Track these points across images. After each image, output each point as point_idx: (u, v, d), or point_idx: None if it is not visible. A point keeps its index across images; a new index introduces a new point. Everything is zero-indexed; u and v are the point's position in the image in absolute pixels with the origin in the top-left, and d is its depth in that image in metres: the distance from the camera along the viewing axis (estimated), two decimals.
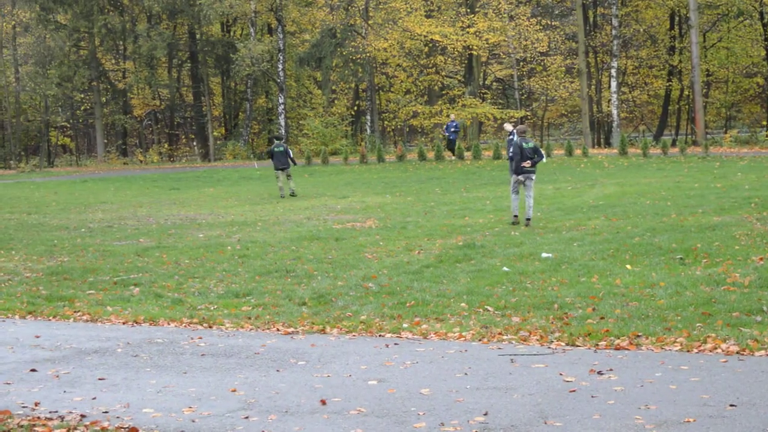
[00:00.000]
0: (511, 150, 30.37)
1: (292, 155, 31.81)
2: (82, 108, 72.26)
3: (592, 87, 59.72)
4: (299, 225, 22.24)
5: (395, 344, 9.75)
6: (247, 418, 7.21)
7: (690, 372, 8.05)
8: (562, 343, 9.41)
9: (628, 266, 13.81)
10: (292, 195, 31.14)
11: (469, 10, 55.83)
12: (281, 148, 31.44)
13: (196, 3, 58.26)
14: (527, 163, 20.53)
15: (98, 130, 67.87)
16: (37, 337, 10.85)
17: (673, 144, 48.49)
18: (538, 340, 9.62)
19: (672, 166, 35.28)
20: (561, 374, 8.11)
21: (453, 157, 44.47)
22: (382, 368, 8.67)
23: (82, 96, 69.28)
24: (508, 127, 30.73)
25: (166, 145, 70.86)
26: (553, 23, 59.62)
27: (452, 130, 45.58)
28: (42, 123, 72.63)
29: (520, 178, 20.60)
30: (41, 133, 74.46)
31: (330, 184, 36.73)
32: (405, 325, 10.62)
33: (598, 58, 62.06)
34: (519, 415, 6.96)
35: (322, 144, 53.68)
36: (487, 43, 54.44)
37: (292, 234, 20.35)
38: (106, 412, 7.52)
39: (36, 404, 7.82)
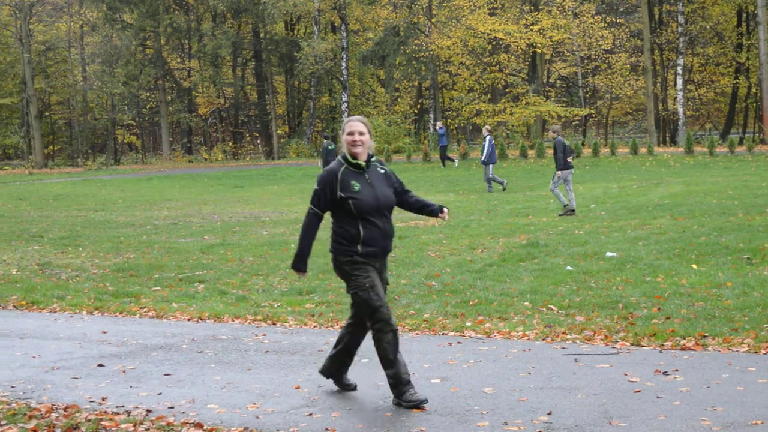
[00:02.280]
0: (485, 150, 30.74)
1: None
2: (148, 106, 73.14)
3: (658, 85, 59.16)
4: None
5: (458, 343, 9.72)
6: (310, 415, 7.23)
7: (758, 373, 7.94)
8: (627, 343, 9.32)
9: (694, 266, 13.64)
10: None
11: (532, 8, 55.60)
12: (332, 147, 33.84)
13: (260, 2, 58.65)
14: (571, 159, 22.29)
15: (164, 128, 68.63)
16: (104, 332, 10.99)
17: (741, 142, 47.84)
18: (602, 339, 9.54)
19: (739, 164, 34.84)
20: (626, 374, 8.04)
21: (454, 163, 43.44)
22: (445, 367, 8.66)
23: (148, 94, 70.14)
24: (486, 130, 31.37)
25: (230, 143, 71.44)
26: (617, 20, 59.18)
27: (440, 135, 44.29)
28: (109, 121, 73.65)
29: (567, 173, 22.15)
30: (108, 131, 75.49)
31: None
32: (468, 324, 10.59)
33: (663, 56, 61.46)
34: (583, 415, 6.91)
35: (385, 142, 53.82)
36: (551, 41, 54.18)
37: None
38: (171, 407, 7.59)
39: (103, 399, 7.91)
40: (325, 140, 34.39)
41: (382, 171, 7.58)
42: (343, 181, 7.32)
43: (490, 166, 30.32)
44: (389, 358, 7.34)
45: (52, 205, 32.59)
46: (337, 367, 7.90)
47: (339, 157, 7.47)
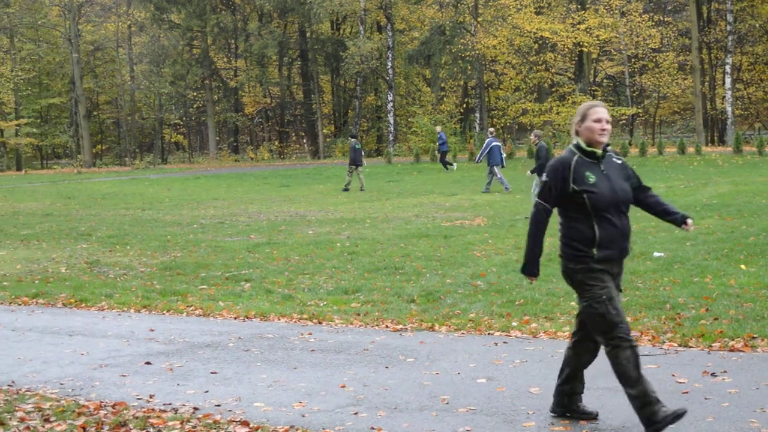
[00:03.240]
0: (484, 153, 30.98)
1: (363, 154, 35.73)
2: (195, 106, 73.55)
3: (706, 84, 58.62)
4: (408, 222, 22.29)
5: (504, 343, 9.69)
6: (356, 413, 7.23)
7: None
8: (675, 344, 9.24)
9: (743, 266, 13.50)
10: (362, 190, 33.93)
11: (579, 7, 55.28)
12: (359, 146, 34.72)
13: (307, 1, 58.81)
14: None
15: (210, 128, 69.00)
16: (152, 330, 11.06)
17: None
18: (649, 340, 9.47)
19: None
20: (673, 375, 7.98)
21: (453, 167, 43.12)
22: (491, 366, 8.63)
23: (195, 94, 70.53)
24: (490, 133, 31.74)
25: (276, 143, 71.70)
26: (665, 19, 58.70)
27: (440, 142, 44.14)
28: (156, 121, 74.19)
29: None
30: (155, 131, 76.07)
31: (439, 181, 36.75)
32: (514, 324, 10.55)
33: (712, 55, 60.88)
34: (630, 416, 6.86)
35: (430, 141, 53.77)
36: (598, 40, 53.87)
37: (401, 231, 20.40)
38: (218, 405, 7.62)
39: (150, 396, 7.97)
40: (352, 139, 35.48)
41: (618, 162, 6.77)
42: (576, 172, 6.47)
43: (495, 167, 30.80)
44: (630, 376, 6.42)
45: (100, 204, 32.89)
46: (568, 397, 6.93)
47: (571, 146, 6.67)
